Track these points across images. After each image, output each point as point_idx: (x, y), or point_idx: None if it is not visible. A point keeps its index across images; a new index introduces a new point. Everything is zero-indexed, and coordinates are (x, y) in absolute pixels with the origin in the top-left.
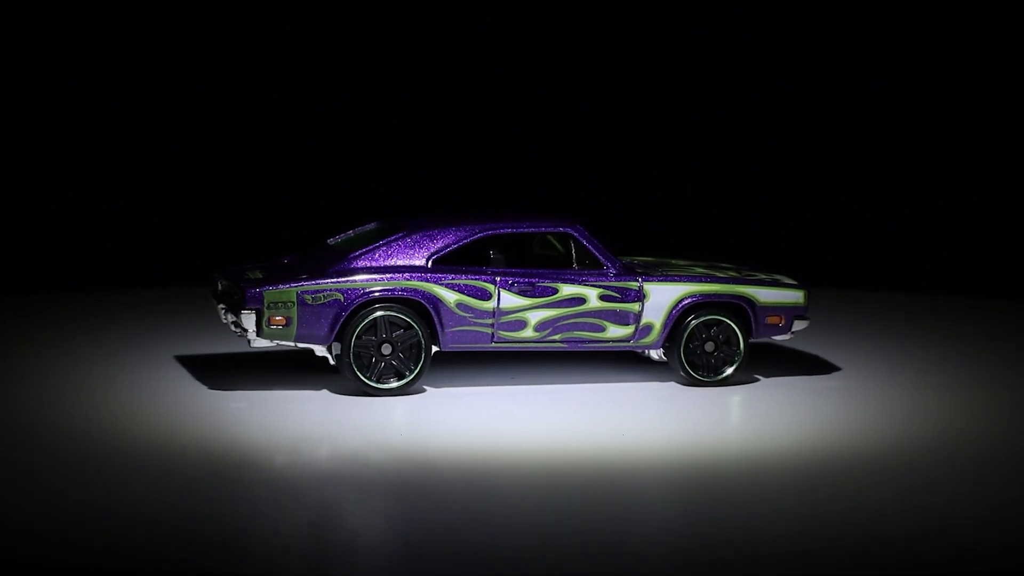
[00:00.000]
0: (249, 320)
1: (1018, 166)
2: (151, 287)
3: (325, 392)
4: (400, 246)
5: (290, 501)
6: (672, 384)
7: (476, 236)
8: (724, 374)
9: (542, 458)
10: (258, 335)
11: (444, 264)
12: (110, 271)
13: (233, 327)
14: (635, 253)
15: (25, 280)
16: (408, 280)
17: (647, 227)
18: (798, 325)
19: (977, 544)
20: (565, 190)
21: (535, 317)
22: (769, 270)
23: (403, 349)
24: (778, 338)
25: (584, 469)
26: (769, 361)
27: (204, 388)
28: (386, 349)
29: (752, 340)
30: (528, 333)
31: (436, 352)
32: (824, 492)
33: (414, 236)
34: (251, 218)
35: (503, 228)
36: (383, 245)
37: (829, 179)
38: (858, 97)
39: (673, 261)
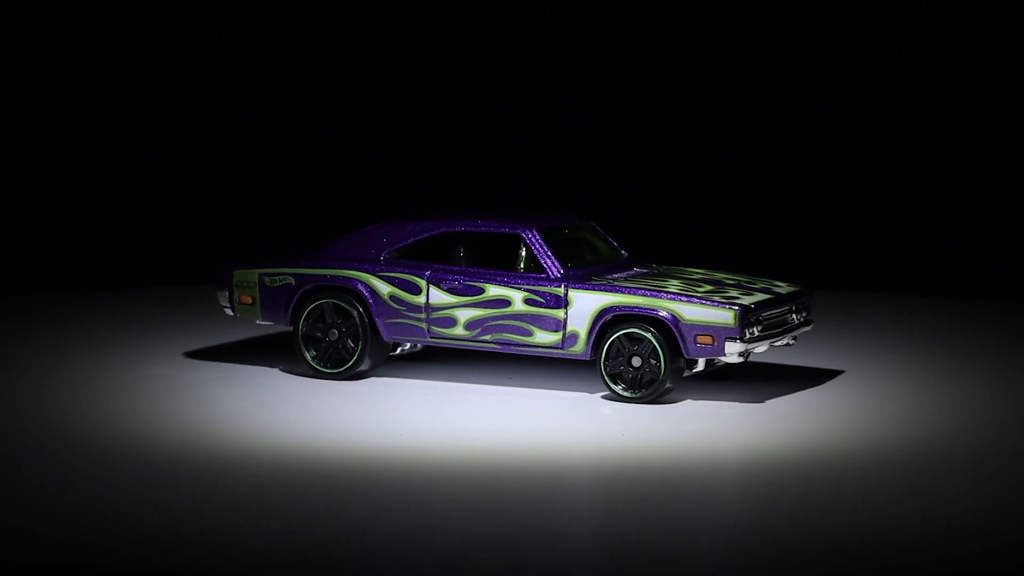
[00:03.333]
0: (223, 296)
1: (1018, 166)
2: (150, 287)
3: (321, 385)
4: (367, 237)
5: (289, 501)
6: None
7: (429, 233)
8: (634, 392)
9: (479, 460)
10: (233, 312)
11: (398, 257)
12: (111, 271)
13: None
14: (652, 258)
15: (28, 279)
16: (349, 270)
17: (650, 230)
18: (732, 347)
19: (976, 545)
20: (575, 191)
21: (464, 315)
22: (771, 275)
23: (350, 336)
24: (726, 360)
25: (513, 471)
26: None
27: (203, 388)
28: (333, 335)
29: (693, 359)
30: (459, 331)
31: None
32: (818, 494)
33: (382, 229)
34: (274, 216)
35: (459, 227)
36: (354, 235)
37: (828, 180)
38: (855, 96)
39: (678, 269)
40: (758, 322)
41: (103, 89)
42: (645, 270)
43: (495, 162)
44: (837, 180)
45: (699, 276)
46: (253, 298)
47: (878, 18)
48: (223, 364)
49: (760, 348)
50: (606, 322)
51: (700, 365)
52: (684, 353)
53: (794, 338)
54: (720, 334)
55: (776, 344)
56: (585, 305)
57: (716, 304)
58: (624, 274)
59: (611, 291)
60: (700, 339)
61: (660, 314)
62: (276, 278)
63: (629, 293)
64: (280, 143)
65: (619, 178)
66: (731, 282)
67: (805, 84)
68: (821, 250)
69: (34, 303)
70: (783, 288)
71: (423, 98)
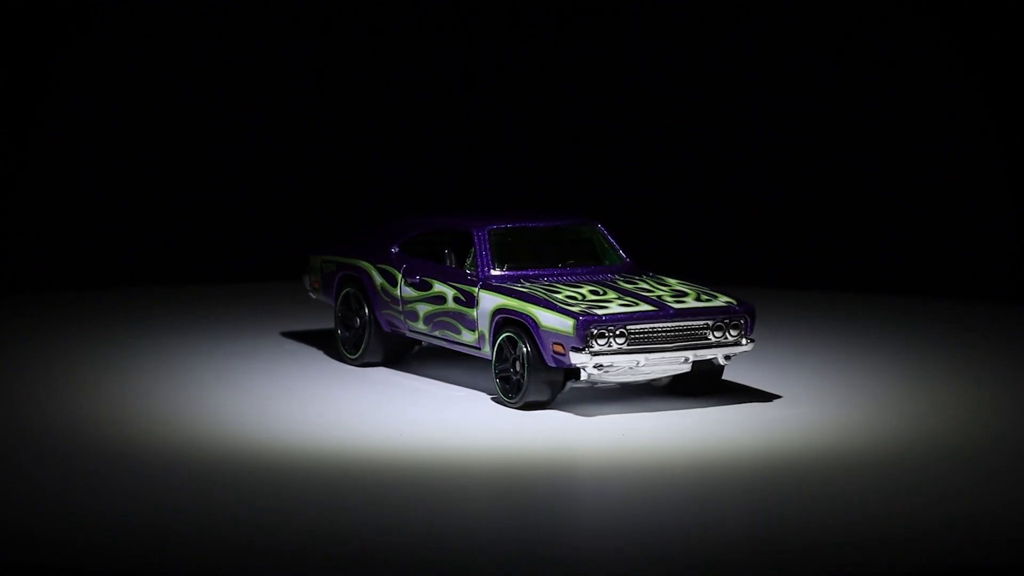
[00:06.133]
0: (306, 280)
1: (1018, 167)
2: (150, 286)
3: (326, 382)
4: (396, 229)
5: (288, 499)
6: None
7: (421, 230)
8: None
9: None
10: (312, 294)
11: (405, 251)
12: (111, 270)
13: None
14: (657, 262)
15: (29, 279)
16: (361, 260)
17: (653, 232)
18: (577, 358)
19: (976, 541)
20: (578, 192)
21: (422, 310)
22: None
23: (366, 324)
24: (586, 371)
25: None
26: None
27: (204, 386)
28: (355, 322)
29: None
30: (421, 325)
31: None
32: (815, 493)
33: (404, 222)
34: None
35: (437, 223)
36: (390, 225)
37: (828, 180)
38: (855, 96)
39: (662, 277)
40: (621, 335)
41: (103, 89)
42: (623, 276)
43: (495, 162)
44: (837, 180)
45: (645, 284)
46: (318, 283)
47: (878, 18)
48: (245, 355)
49: (640, 363)
50: (498, 324)
51: (584, 375)
52: (546, 360)
53: (727, 357)
54: (568, 343)
55: (685, 361)
56: (486, 306)
57: (564, 312)
58: (593, 278)
59: (504, 293)
60: (555, 347)
61: (527, 319)
62: (327, 264)
63: (513, 296)
64: (280, 143)
65: (619, 178)
66: (658, 292)
67: (805, 84)
68: (821, 250)
69: (34, 302)
70: (698, 302)
71: (423, 98)
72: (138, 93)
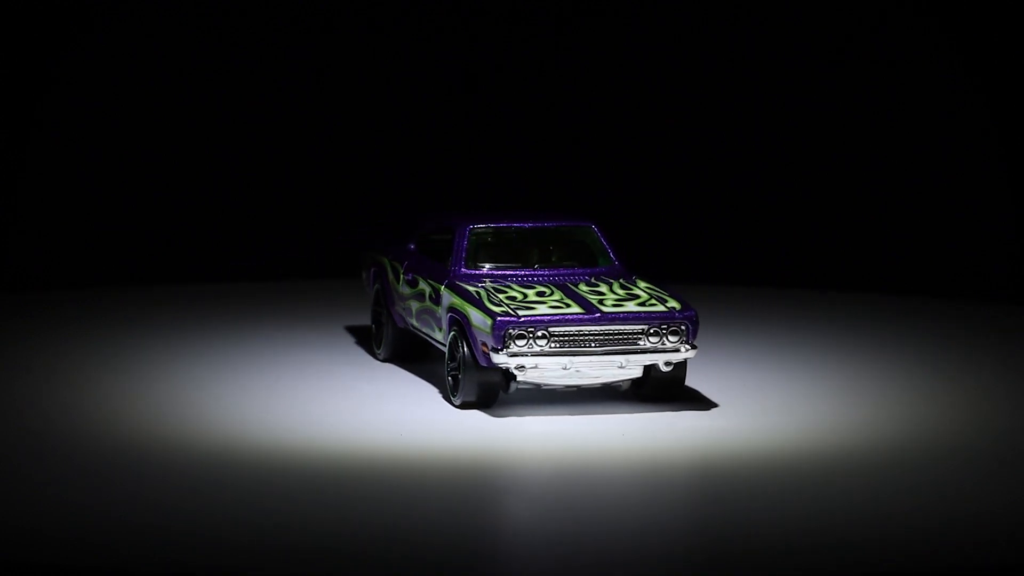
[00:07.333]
0: (363, 275)
1: (1018, 167)
2: (150, 285)
3: (331, 382)
4: (414, 227)
5: (289, 499)
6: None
7: (424, 229)
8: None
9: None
10: (367, 289)
11: (419, 248)
12: (111, 269)
13: None
14: (654, 265)
15: (29, 278)
16: (383, 256)
17: (652, 234)
18: (497, 359)
19: (974, 540)
20: (577, 193)
21: (414, 307)
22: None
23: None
24: (517, 373)
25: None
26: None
27: (205, 387)
28: (383, 318)
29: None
30: (415, 322)
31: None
32: (812, 491)
33: (422, 219)
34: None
35: (440, 222)
36: (415, 222)
37: (828, 180)
38: (855, 96)
39: (638, 280)
40: (543, 337)
41: (103, 89)
42: (597, 278)
43: (495, 162)
44: (837, 180)
45: (605, 287)
46: (367, 277)
47: (878, 18)
48: (245, 354)
49: (567, 365)
50: (450, 322)
51: (523, 376)
52: (479, 360)
53: (668, 363)
54: (489, 342)
55: (620, 366)
56: (444, 303)
57: (487, 312)
58: (561, 279)
59: (457, 292)
60: (483, 347)
61: (462, 318)
62: (367, 259)
63: (459, 294)
64: (280, 143)
65: (619, 179)
66: (608, 296)
67: (805, 84)
68: (821, 250)
69: (34, 302)
70: (640, 307)
71: (423, 98)
72: (138, 93)
